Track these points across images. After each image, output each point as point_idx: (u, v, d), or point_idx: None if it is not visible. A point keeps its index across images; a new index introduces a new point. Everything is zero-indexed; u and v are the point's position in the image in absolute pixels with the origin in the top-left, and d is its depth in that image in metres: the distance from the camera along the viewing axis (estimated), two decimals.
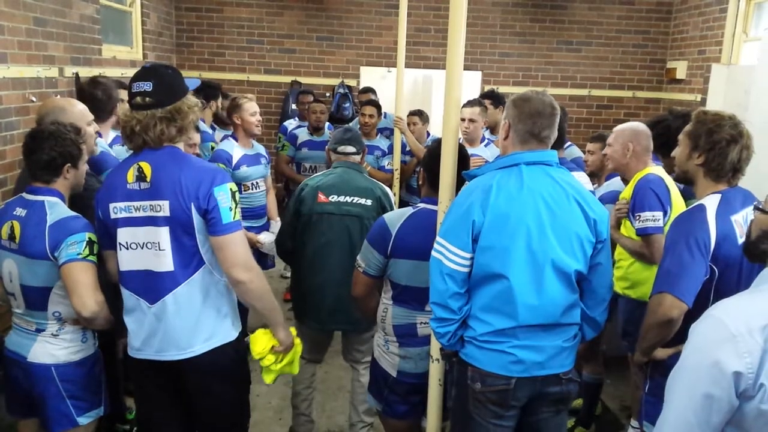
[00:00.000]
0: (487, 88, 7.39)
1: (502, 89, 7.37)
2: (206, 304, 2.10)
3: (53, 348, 2.26)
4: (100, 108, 3.03)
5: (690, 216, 2.17)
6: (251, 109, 3.86)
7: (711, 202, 2.15)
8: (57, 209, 2.23)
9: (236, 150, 3.84)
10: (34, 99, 4.08)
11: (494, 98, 4.57)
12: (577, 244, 1.97)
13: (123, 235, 2.08)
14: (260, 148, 4.11)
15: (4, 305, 2.49)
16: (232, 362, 2.19)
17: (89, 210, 2.27)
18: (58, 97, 2.86)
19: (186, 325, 2.08)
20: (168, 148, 2.08)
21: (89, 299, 2.13)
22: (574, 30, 7.42)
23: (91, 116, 2.72)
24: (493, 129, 4.51)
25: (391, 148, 4.99)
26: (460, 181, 2.20)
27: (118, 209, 2.07)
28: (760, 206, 1.61)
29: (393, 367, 2.42)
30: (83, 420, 2.32)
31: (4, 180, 3.85)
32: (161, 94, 2.04)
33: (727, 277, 2.11)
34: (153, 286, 2.07)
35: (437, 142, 2.36)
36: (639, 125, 3.07)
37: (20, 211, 2.23)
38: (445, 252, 1.96)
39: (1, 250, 2.25)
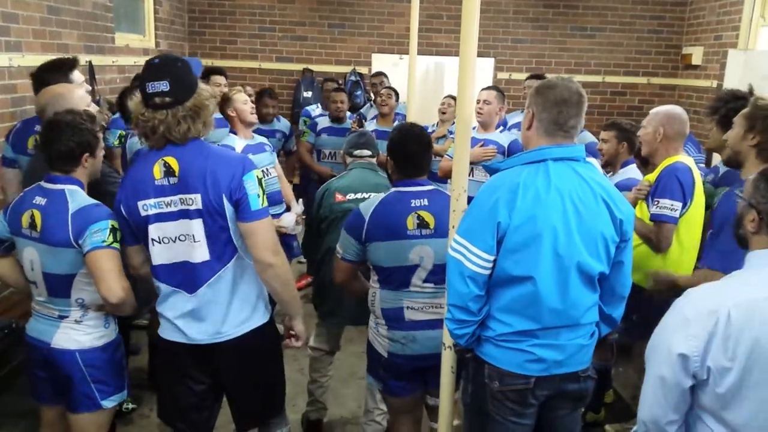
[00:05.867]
0: (500, 75, 7.37)
1: (515, 76, 7.36)
2: (241, 289, 2.17)
3: (77, 334, 2.29)
4: None
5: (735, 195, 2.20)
6: (242, 98, 3.87)
7: None
8: (78, 197, 2.25)
9: (238, 142, 3.85)
10: None
11: (540, 79, 4.59)
12: (602, 246, 1.92)
13: (155, 230, 2.11)
14: (261, 138, 4.12)
15: (22, 293, 2.52)
16: (265, 344, 2.27)
17: (107, 196, 2.31)
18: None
19: (223, 310, 2.14)
20: (193, 141, 2.10)
21: (116, 286, 2.16)
22: (588, 15, 7.34)
23: (89, 99, 2.76)
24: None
25: None
26: (423, 164, 2.49)
27: (148, 206, 2.09)
28: (741, 194, 1.64)
29: (384, 348, 2.49)
30: (107, 403, 2.36)
31: None
32: (179, 92, 2.05)
33: None
34: (191, 276, 2.12)
35: (396, 132, 2.56)
36: (675, 109, 2.99)
37: (40, 200, 2.25)
38: (466, 253, 1.88)
39: (21, 239, 2.28)
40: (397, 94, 5.21)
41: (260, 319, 2.23)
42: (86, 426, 2.37)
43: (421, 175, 2.50)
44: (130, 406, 3.41)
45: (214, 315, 2.14)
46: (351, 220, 2.49)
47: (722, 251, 2.16)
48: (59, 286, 2.26)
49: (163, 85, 2.02)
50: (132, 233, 2.18)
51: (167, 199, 2.08)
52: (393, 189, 2.50)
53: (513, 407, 1.96)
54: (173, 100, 2.04)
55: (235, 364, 2.21)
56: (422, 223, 2.39)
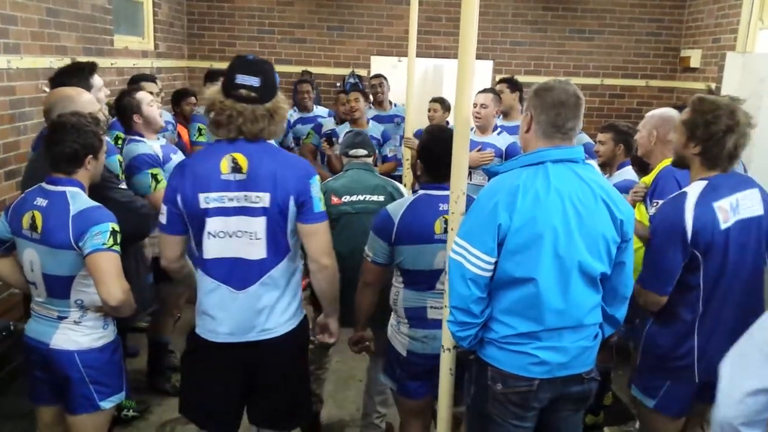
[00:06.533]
0: (498, 77, 7.37)
1: None
2: (288, 288, 2.22)
3: (75, 335, 2.29)
4: None
5: (669, 207, 2.25)
6: None
7: (694, 190, 2.21)
8: (79, 199, 2.25)
9: None
10: (47, 90, 4.10)
11: (511, 83, 4.58)
12: (603, 246, 1.92)
13: (213, 224, 2.12)
14: None
15: (21, 292, 2.52)
16: (303, 339, 2.36)
17: (106, 201, 2.33)
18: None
19: (270, 308, 2.19)
20: (262, 142, 2.15)
21: (116, 288, 2.17)
22: (586, 18, 7.35)
23: (98, 105, 2.76)
24: (506, 114, 4.52)
25: (387, 135, 5.05)
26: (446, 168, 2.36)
27: (210, 199, 2.11)
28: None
29: (403, 347, 2.48)
30: (105, 404, 2.36)
31: (18, 170, 3.89)
32: (265, 91, 2.11)
33: (711, 262, 2.19)
34: (243, 273, 2.15)
35: (427, 134, 2.53)
36: (670, 111, 3.00)
37: (41, 201, 2.25)
38: (467, 255, 1.88)
39: (22, 240, 2.28)
40: (365, 96, 5.12)
41: (300, 316, 2.30)
42: (84, 427, 2.37)
43: (449, 179, 2.48)
44: (131, 413, 3.40)
45: (262, 313, 2.17)
46: (379, 223, 2.47)
47: (656, 271, 2.22)
48: (59, 287, 2.26)
49: (255, 81, 2.08)
50: (182, 222, 2.17)
51: (231, 194, 2.10)
52: (421, 191, 2.48)
53: (515, 410, 1.96)
54: (258, 96, 2.09)
55: (274, 360, 2.24)
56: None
